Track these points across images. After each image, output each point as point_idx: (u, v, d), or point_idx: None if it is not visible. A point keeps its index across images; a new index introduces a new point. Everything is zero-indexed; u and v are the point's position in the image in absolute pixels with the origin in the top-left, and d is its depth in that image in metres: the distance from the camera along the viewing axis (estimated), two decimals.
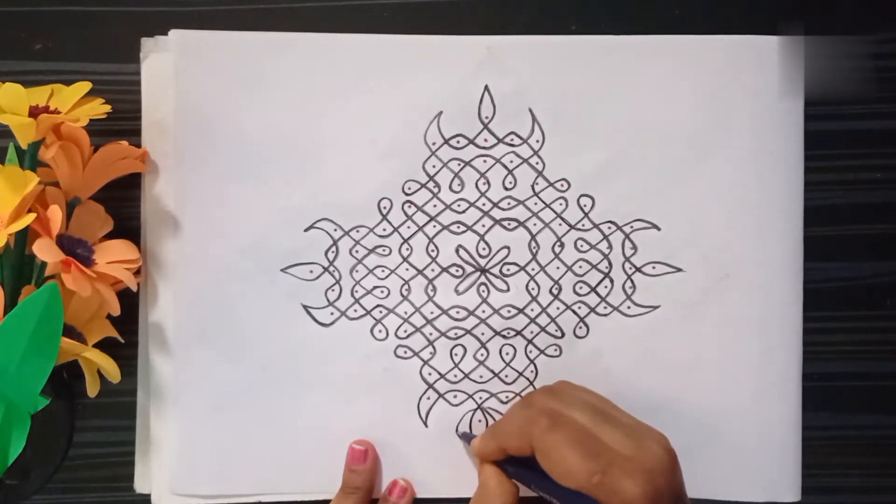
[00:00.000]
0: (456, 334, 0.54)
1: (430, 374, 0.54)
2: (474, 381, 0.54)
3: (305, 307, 0.53)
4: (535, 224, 0.54)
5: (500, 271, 0.54)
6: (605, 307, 0.54)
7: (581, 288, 0.54)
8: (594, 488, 0.42)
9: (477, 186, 0.53)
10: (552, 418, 0.45)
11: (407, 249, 0.53)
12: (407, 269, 0.54)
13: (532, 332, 0.54)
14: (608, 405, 0.47)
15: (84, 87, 0.49)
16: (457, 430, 0.54)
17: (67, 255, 0.47)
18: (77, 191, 0.50)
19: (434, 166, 0.53)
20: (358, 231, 0.53)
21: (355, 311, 0.53)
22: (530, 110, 0.53)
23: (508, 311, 0.54)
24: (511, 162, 0.53)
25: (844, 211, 0.55)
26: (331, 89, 0.53)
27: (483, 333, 0.54)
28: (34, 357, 0.44)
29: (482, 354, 0.54)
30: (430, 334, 0.54)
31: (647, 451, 0.43)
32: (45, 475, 0.52)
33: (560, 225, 0.54)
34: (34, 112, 0.47)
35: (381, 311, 0.53)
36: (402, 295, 0.54)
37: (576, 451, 0.43)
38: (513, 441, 0.46)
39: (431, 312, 0.54)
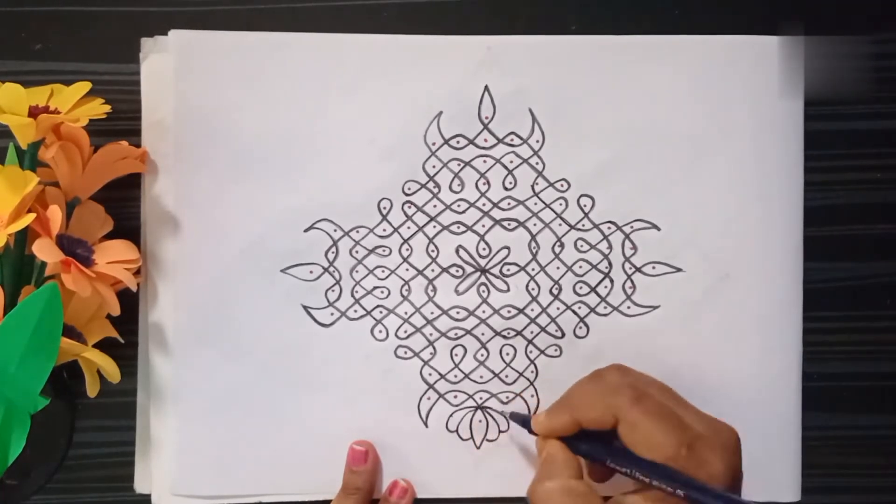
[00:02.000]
0: (456, 334, 0.54)
1: (430, 374, 0.54)
2: (474, 381, 0.54)
3: (305, 308, 0.53)
4: (535, 224, 0.54)
5: (501, 271, 0.54)
6: (605, 307, 0.54)
7: (581, 288, 0.54)
8: (683, 460, 0.42)
9: (477, 187, 0.53)
10: (636, 390, 0.45)
11: (407, 250, 0.53)
12: (407, 270, 0.54)
13: (532, 333, 0.54)
14: (674, 391, 0.47)
15: (84, 87, 0.49)
16: (505, 415, 0.54)
17: (67, 256, 0.46)
18: (77, 191, 0.50)
19: (434, 166, 0.53)
20: (358, 231, 0.53)
21: (355, 311, 0.53)
22: (530, 110, 0.53)
23: (508, 312, 0.54)
24: (511, 162, 0.53)
25: (844, 211, 0.55)
26: (331, 89, 0.53)
27: (483, 334, 0.54)
28: (34, 357, 0.44)
29: (482, 355, 0.54)
30: (431, 335, 0.54)
31: (722, 431, 0.44)
32: (45, 475, 0.52)
33: (560, 225, 0.54)
34: (34, 112, 0.47)
35: (381, 312, 0.53)
36: (402, 295, 0.54)
37: (664, 423, 0.43)
38: (593, 413, 0.46)
39: (431, 313, 0.54)
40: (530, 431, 0.50)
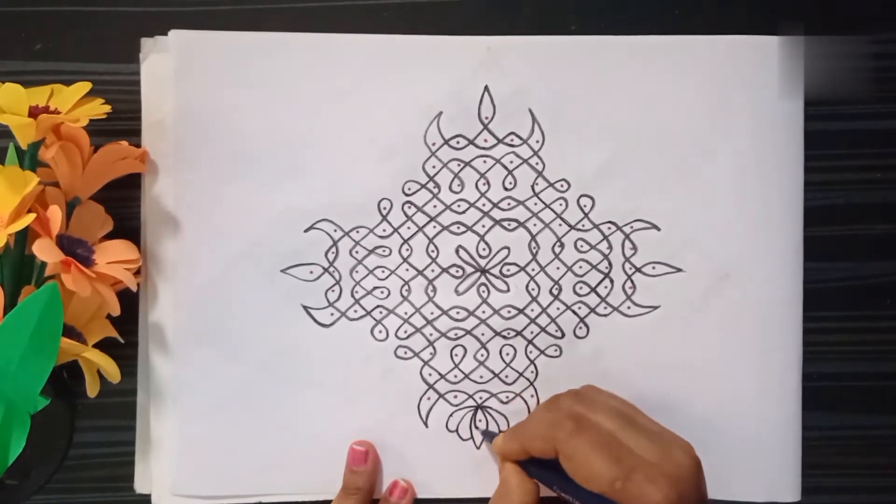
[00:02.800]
0: (456, 335, 0.54)
1: (430, 374, 0.54)
2: (474, 381, 0.54)
3: (305, 308, 0.53)
4: (535, 224, 0.54)
5: (500, 272, 0.54)
6: (605, 307, 0.54)
7: (581, 288, 0.54)
8: (617, 493, 0.42)
9: (477, 187, 0.53)
10: (577, 422, 0.45)
11: (407, 250, 0.53)
12: (407, 270, 0.54)
13: (532, 333, 0.54)
14: (634, 411, 0.47)
15: (84, 87, 0.49)
16: (475, 428, 0.54)
17: (67, 256, 0.47)
18: (77, 191, 0.50)
19: (434, 167, 0.53)
20: (358, 232, 0.53)
21: (355, 311, 0.53)
22: (530, 110, 0.53)
23: (508, 312, 0.54)
24: (511, 162, 0.53)
25: (844, 211, 0.55)
26: (331, 89, 0.53)
27: (483, 334, 0.54)
28: (34, 357, 0.44)
29: (482, 355, 0.54)
30: (431, 335, 0.54)
31: (671, 458, 0.43)
32: (45, 475, 0.52)
33: (560, 225, 0.54)
34: (34, 112, 0.47)
35: (381, 312, 0.53)
36: (402, 295, 0.54)
37: (600, 455, 0.43)
38: (536, 443, 0.46)
39: (431, 313, 0.54)
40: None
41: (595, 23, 0.54)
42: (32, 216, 0.45)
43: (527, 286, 0.54)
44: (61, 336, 0.44)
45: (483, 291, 0.54)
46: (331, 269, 0.53)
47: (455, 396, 0.54)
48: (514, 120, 0.53)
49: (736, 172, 0.53)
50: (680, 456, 0.44)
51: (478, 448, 0.54)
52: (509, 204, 0.53)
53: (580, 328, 0.54)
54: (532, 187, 0.53)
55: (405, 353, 0.54)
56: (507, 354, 0.54)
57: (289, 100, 0.53)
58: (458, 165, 0.53)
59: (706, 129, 0.53)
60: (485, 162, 0.53)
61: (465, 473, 0.54)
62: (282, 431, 0.53)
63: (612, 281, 0.54)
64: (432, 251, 0.53)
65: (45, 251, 0.45)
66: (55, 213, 0.47)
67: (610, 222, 0.54)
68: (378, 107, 0.53)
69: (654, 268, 0.54)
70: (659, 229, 0.54)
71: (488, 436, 0.53)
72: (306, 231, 0.53)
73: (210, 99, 0.52)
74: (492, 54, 0.53)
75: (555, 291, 0.54)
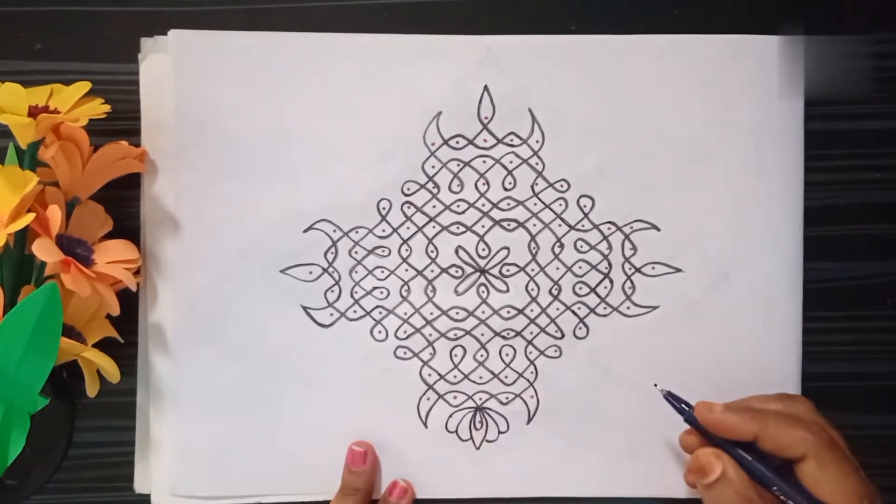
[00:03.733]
0: (456, 335, 0.54)
1: (429, 374, 0.54)
2: (474, 382, 0.54)
3: (305, 308, 0.53)
4: (534, 225, 0.53)
5: (500, 272, 0.54)
6: (605, 308, 0.54)
7: (581, 289, 0.54)
8: None
9: (476, 187, 0.53)
10: (830, 433, 0.45)
11: (406, 250, 0.53)
12: (406, 270, 0.54)
13: (532, 333, 0.54)
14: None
15: (83, 87, 0.49)
16: (663, 392, 0.50)
17: (67, 255, 0.46)
18: (77, 191, 0.50)
19: (433, 167, 0.53)
20: (357, 232, 0.53)
21: (355, 312, 0.53)
22: (530, 110, 0.53)
23: (508, 312, 0.54)
24: (511, 162, 0.53)
25: (844, 211, 0.55)
26: (330, 89, 0.53)
27: (483, 334, 0.54)
28: (34, 357, 0.44)
29: (482, 355, 0.54)
30: (430, 335, 0.54)
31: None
32: (45, 475, 0.52)
33: (560, 225, 0.54)
34: (34, 112, 0.47)
35: (380, 312, 0.53)
36: (401, 296, 0.53)
37: (853, 473, 0.43)
38: (783, 439, 0.44)
39: (431, 313, 0.54)
40: (690, 421, 0.48)
41: (595, 23, 0.54)
42: (32, 216, 0.45)
43: (526, 286, 0.54)
44: (61, 336, 0.44)
45: (482, 292, 0.54)
46: (330, 270, 0.53)
47: (455, 397, 0.54)
48: (513, 120, 0.53)
49: (736, 172, 0.53)
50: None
51: (477, 449, 0.54)
52: (509, 204, 0.53)
53: (580, 328, 0.54)
54: (532, 187, 0.53)
55: (405, 353, 0.54)
56: (507, 355, 0.54)
57: (288, 100, 0.53)
58: (458, 165, 0.53)
59: (706, 129, 0.53)
60: (484, 162, 0.53)
61: (465, 474, 0.53)
62: (281, 432, 0.53)
63: (611, 281, 0.54)
64: (432, 251, 0.53)
65: (44, 251, 0.45)
66: (55, 213, 0.47)
67: (609, 222, 0.54)
68: (377, 107, 0.53)
69: (653, 268, 0.54)
70: (659, 229, 0.53)
71: (675, 399, 0.49)
72: (305, 231, 0.53)
73: (209, 99, 0.52)
74: (491, 54, 0.53)
75: (554, 292, 0.54)
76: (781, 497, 0.45)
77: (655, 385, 0.51)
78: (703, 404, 0.47)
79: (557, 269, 0.54)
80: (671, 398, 0.49)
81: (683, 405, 0.48)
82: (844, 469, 0.43)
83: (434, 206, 0.53)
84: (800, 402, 0.48)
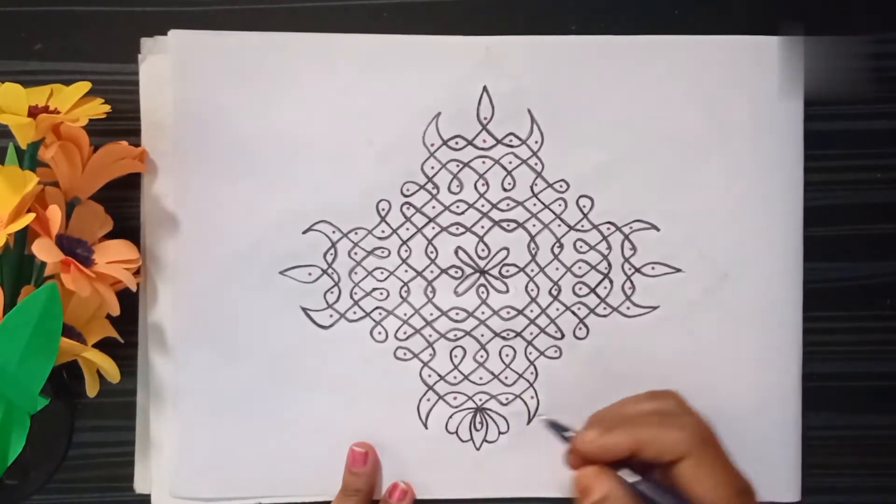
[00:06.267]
0: (455, 336, 0.54)
1: (429, 375, 0.54)
2: (474, 382, 0.54)
3: (304, 309, 0.53)
4: (534, 225, 0.53)
5: (500, 273, 0.54)
6: (605, 308, 0.54)
7: (580, 289, 0.54)
8: None
9: (476, 188, 0.53)
10: (703, 429, 0.45)
11: (406, 251, 0.53)
12: (406, 271, 0.53)
13: (532, 334, 0.54)
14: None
15: (83, 87, 0.49)
16: (544, 422, 0.50)
17: (67, 255, 0.47)
18: (76, 191, 0.50)
19: (433, 167, 0.53)
20: (356, 233, 0.53)
21: (354, 313, 0.53)
22: (529, 111, 0.53)
23: (508, 313, 0.54)
24: (510, 163, 0.53)
25: (844, 211, 0.55)
26: (329, 90, 0.53)
27: (483, 335, 0.54)
28: (34, 357, 0.44)
29: (482, 356, 0.54)
30: (430, 336, 0.54)
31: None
32: (45, 475, 0.52)
33: (559, 226, 0.54)
34: (33, 112, 0.47)
35: (380, 313, 0.53)
36: (401, 297, 0.53)
37: (728, 467, 0.43)
38: (656, 445, 0.43)
39: (431, 314, 0.54)
40: (567, 445, 0.47)
41: (595, 23, 0.54)
42: (32, 216, 0.45)
43: (526, 287, 0.54)
44: (61, 336, 0.44)
45: (482, 292, 0.54)
46: (329, 271, 0.53)
47: (455, 398, 0.54)
48: (512, 120, 0.53)
49: (735, 172, 0.53)
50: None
51: (477, 450, 0.54)
52: (508, 205, 0.53)
53: (580, 329, 0.54)
54: (531, 188, 0.53)
55: (405, 354, 0.54)
56: (507, 356, 0.54)
57: (288, 100, 0.53)
58: (457, 166, 0.53)
59: (706, 129, 0.53)
60: (484, 163, 0.53)
61: (465, 475, 0.53)
62: (281, 433, 0.53)
63: (611, 281, 0.54)
64: (431, 252, 0.53)
65: (44, 251, 0.45)
66: (55, 213, 0.47)
67: (609, 223, 0.54)
68: (377, 107, 0.53)
69: (653, 268, 0.54)
70: (658, 230, 0.53)
71: (556, 428, 0.49)
72: (305, 233, 0.53)
73: (209, 99, 0.52)
74: (491, 54, 0.53)
75: (554, 292, 0.54)
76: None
77: (541, 416, 0.52)
78: (580, 436, 0.46)
79: (557, 269, 0.54)
80: (553, 427, 0.49)
81: (565, 433, 0.48)
82: (720, 464, 0.43)
83: (433, 207, 0.53)
84: (669, 398, 0.48)
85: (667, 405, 0.48)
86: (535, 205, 0.53)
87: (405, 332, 0.53)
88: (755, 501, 0.43)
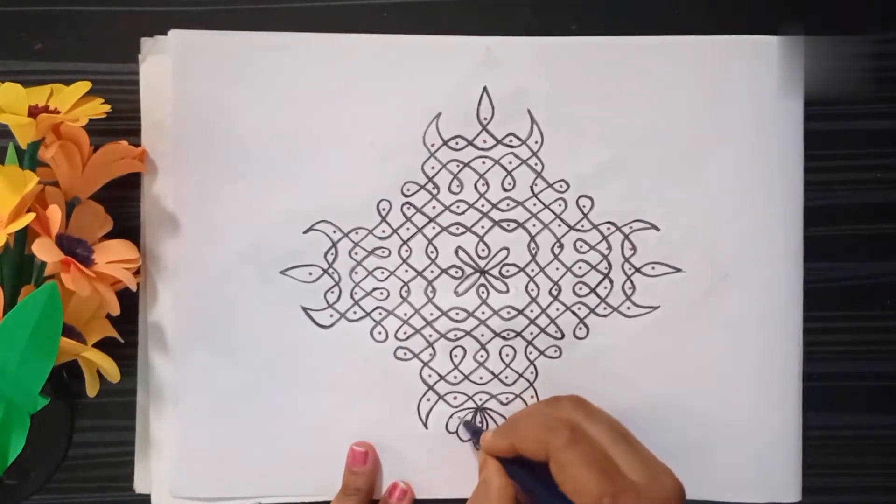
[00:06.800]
0: (456, 336, 0.54)
1: (430, 375, 0.54)
2: (474, 382, 0.54)
3: (305, 309, 0.53)
4: (534, 225, 0.53)
5: (500, 272, 0.54)
6: (605, 308, 0.54)
7: (580, 289, 0.54)
8: None
9: (476, 188, 0.53)
10: (573, 431, 0.45)
11: (406, 251, 0.53)
12: (406, 271, 0.53)
13: (532, 334, 0.54)
14: (626, 430, 0.47)
15: (83, 86, 0.49)
16: (460, 421, 0.54)
17: (67, 255, 0.47)
18: (77, 191, 0.50)
19: (433, 168, 0.53)
20: (357, 233, 0.53)
21: (355, 312, 0.53)
22: (529, 111, 0.53)
23: (508, 313, 0.54)
24: (510, 163, 0.53)
25: (844, 211, 0.55)
26: (330, 90, 0.53)
27: (483, 335, 0.54)
28: (34, 357, 0.44)
29: (482, 356, 0.54)
30: (430, 336, 0.54)
31: (659, 482, 0.43)
32: (45, 475, 0.52)
33: (559, 226, 0.54)
34: (34, 112, 0.47)
35: (380, 313, 0.53)
36: (401, 297, 0.53)
37: (592, 469, 0.43)
38: (529, 445, 0.46)
39: (431, 314, 0.54)
40: (476, 445, 0.51)
41: (595, 23, 0.54)
42: (32, 216, 0.45)
43: (526, 287, 0.54)
44: (61, 336, 0.44)
45: (482, 292, 0.54)
46: (330, 271, 0.53)
47: (455, 398, 0.54)
48: (513, 120, 0.53)
49: (736, 172, 0.53)
50: (668, 482, 0.43)
51: (478, 450, 0.54)
52: (508, 205, 0.53)
53: (580, 329, 0.54)
54: (531, 188, 0.53)
55: (405, 354, 0.54)
56: (507, 355, 0.54)
57: (288, 100, 0.53)
58: (457, 166, 0.53)
59: (706, 129, 0.53)
60: (484, 163, 0.53)
61: (465, 475, 0.53)
62: (281, 432, 0.53)
63: (611, 281, 0.54)
64: (431, 252, 0.53)
65: (44, 251, 0.45)
66: (55, 213, 0.47)
67: (609, 223, 0.54)
68: (377, 107, 0.53)
69: (653, 268, 0.54)
70: (658, 229, 0.53)
71: (470, 429, 0.53)
72: (305, 232, 0.53)
73: (209, 99, 0.52)
74: (491, 54, 0.53)
75: (554, 292, 0.54)
76: (538, 501, 0.46)
77: (460, 418, 0.54)
78: (482, 435, 0.50)
79: (557, 269, 0.54)
80: (466, 427, 0.53)
81: (475, 435, 0.52)
82: (582, 466, 0.43)
83: (434, 207, 0.53)
84: (561, 403, 0.48)
85: (556, 407, 0.48)
86: (535, 205, 0.53)
87: (405, 332, 0.53)
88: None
